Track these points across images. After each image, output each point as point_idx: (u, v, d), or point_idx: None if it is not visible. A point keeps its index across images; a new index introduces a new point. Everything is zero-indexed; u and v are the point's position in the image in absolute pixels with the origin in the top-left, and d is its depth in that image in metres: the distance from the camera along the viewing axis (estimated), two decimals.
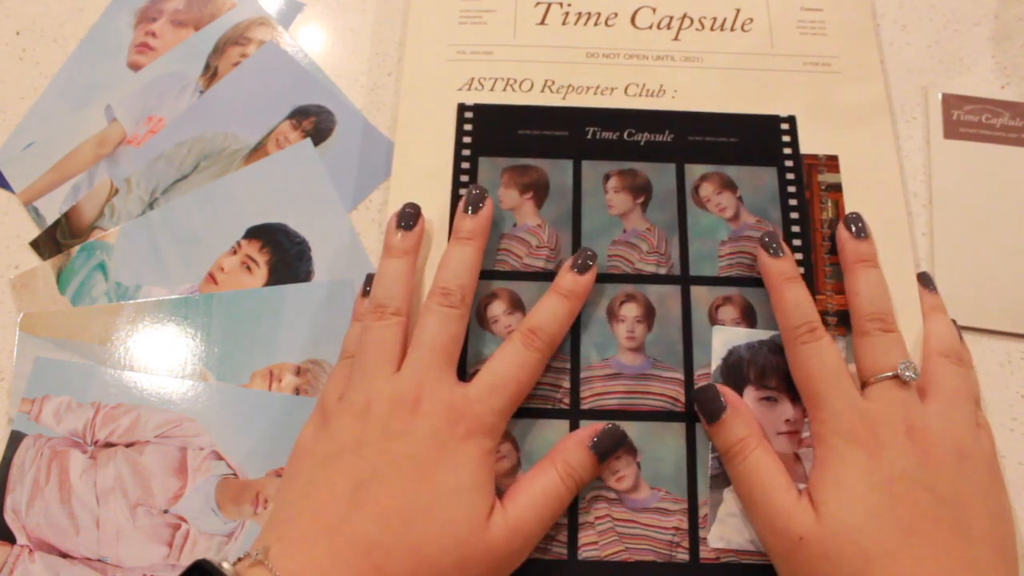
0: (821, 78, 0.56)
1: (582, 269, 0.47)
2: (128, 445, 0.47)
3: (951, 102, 0.55)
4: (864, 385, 0.44)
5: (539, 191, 0.52)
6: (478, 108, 0.54)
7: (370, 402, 0.41)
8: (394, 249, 0.46)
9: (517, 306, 0.49)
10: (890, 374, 0.43)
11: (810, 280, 0.50)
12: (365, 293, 0.48)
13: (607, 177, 0.52)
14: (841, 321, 0.49)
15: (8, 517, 0.46)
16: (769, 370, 0.48)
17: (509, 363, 0.43)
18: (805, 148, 0.54)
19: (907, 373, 0.43)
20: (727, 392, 0.45)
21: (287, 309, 0.50)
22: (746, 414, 0.44)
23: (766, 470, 0.42)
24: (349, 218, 0.53)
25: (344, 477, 0.39)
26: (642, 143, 0.53)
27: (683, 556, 0.45)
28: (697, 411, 0.46)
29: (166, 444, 0.47)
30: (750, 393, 0.47)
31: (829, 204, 0.52)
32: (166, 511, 0.46)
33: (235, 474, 0.47)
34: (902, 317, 0.49)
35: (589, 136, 0.54)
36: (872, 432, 0.41)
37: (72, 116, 0.56)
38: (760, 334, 0.49)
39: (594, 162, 0.53)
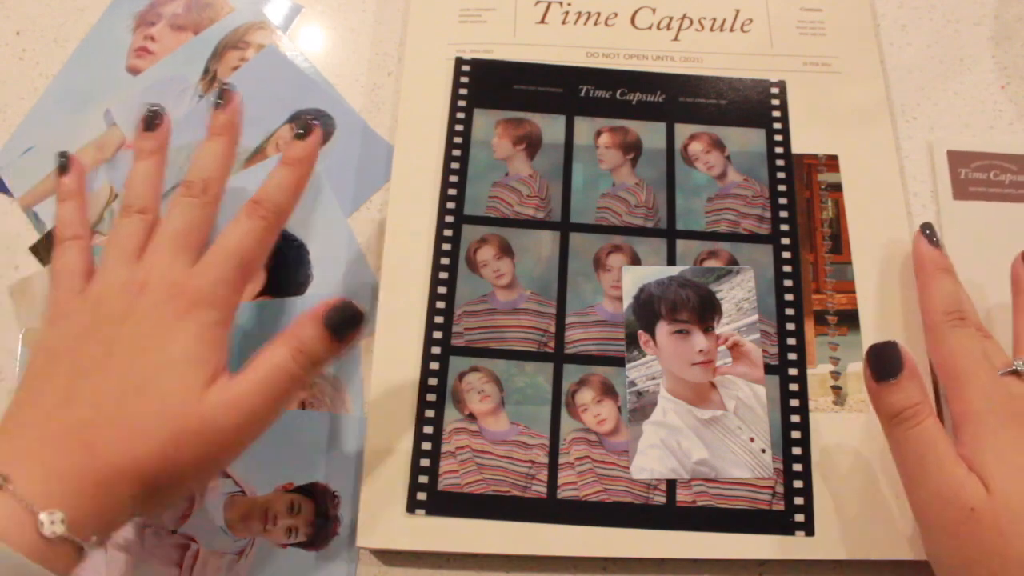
0: (821, 78, 0.56)
1: (302, 135, 0.46)
2: None
3: (957, 159, 0.54)
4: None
5: (532, 143, 0.53)
6: (475, 63, 0.55)
7: (102, 292, 0.42)
8: (142, 151, 0.46)
9: (506, 252, 0.51)
10: (1007, 369, 0.43)
11: (810, 279, 0.51)
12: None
13: (599, 133, 0.54)
14: (841, 321, 0.50)
15: None
16: (679, 304, 0.49)
17: (232, 234, 0.43)
18: (805, 148, 0.54)
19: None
20: (906, 352, 0.42)
21: (289, 321, 0.49)
22: (921, 378, 0.42)
23: (941, 438, 0.41)
24: (347, 222, 0.53)
25: (65, 368, 0.39)
26: (634, 102, 0.55)
27: (660, 499, 0.46)
28: (869, 366, 0.43)
29: None
30: (663, 328, 0.49)
31: (829, 204, 0.52)
32: (174, 531, 0.46)
33: (242, 491, 0.47)
34: (897, 317, 0.49)
35: (582, 94, 0.55)
36: (1021, 408, 0.41)
37: (71, 120, 0.56)
38: (669, 270, 0.50)
39: (587, 118, 0.54)
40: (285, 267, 0.51)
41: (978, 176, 0.54)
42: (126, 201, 0.45)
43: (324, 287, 0.51)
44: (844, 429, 0.47)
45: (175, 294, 0.41)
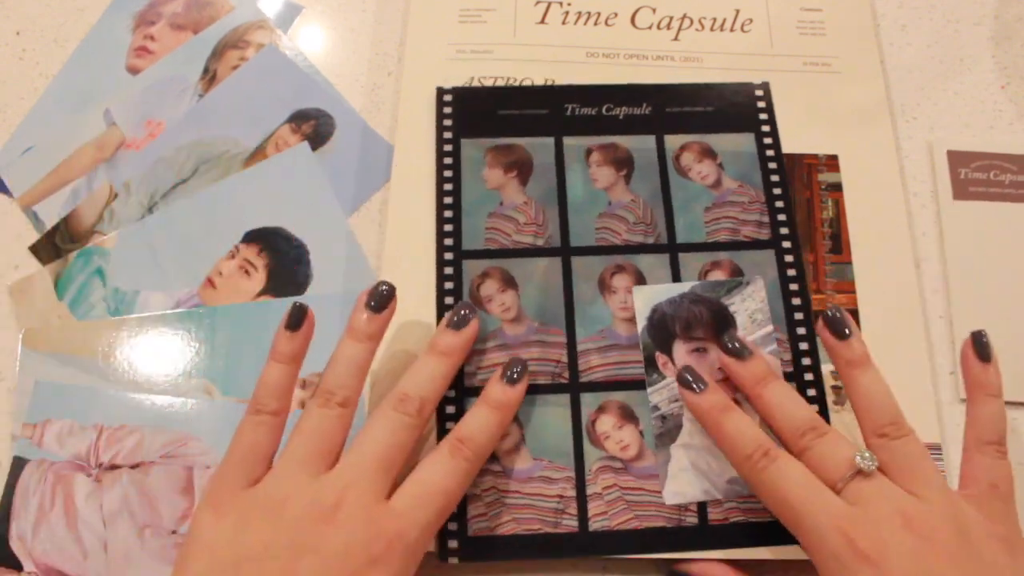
0: (821, 78, 0.56)
1: (512, 381, 0.44)
2: (133, 466, 0.47)
3: (957, 159, 0.54)
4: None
5: (523, 169, 0.53)
6: (457, 91, 0.55)
7: (287, 501, 0.38)
8: (358, 332, 0.42)
9: (509, 283, 0.50)
10: (851, 473, 0.39)
11: (810, 279, 0.51)
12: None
13: (589, 152, 0.53)
14: None
15: (14, 544, 0.45)
16: (693, 321, 0.48)
17: (434, 472, 0.40)
18: (805, 148, 0.54)
19: (866, 464, 0.39)
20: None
21: None
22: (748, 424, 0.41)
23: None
24: (347, 222, 0.53)
25: None
26: (621, 117, 0.54)
27: (692, 520, 0.45)
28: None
29: (171, 464, 0.47)
30: (680, 347, 0.48)
31: (829, 204, 0.52)
32: (174, 531, 0.46)
33: None
34: (902, 320, 0.49)
35: (568, 113, 0.54)
36: (869, 537, 0.37)
37: (71, 120, 0.56)
38: (680, 287, 0.50)
39: (575, 138, 0.53)
40: (285, 267, 0.51)
41: (978, 176, 0.54)
42: (326, 386, 0.41)
43: (324, 287, 0.51)
44: (842, 429, 0.47)
45: (373, 535, 0.37)
